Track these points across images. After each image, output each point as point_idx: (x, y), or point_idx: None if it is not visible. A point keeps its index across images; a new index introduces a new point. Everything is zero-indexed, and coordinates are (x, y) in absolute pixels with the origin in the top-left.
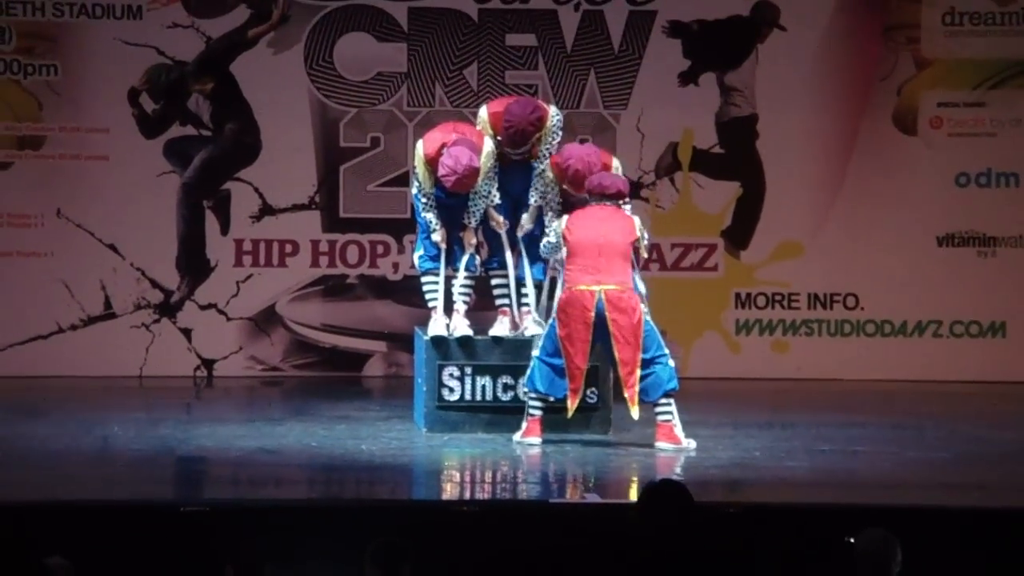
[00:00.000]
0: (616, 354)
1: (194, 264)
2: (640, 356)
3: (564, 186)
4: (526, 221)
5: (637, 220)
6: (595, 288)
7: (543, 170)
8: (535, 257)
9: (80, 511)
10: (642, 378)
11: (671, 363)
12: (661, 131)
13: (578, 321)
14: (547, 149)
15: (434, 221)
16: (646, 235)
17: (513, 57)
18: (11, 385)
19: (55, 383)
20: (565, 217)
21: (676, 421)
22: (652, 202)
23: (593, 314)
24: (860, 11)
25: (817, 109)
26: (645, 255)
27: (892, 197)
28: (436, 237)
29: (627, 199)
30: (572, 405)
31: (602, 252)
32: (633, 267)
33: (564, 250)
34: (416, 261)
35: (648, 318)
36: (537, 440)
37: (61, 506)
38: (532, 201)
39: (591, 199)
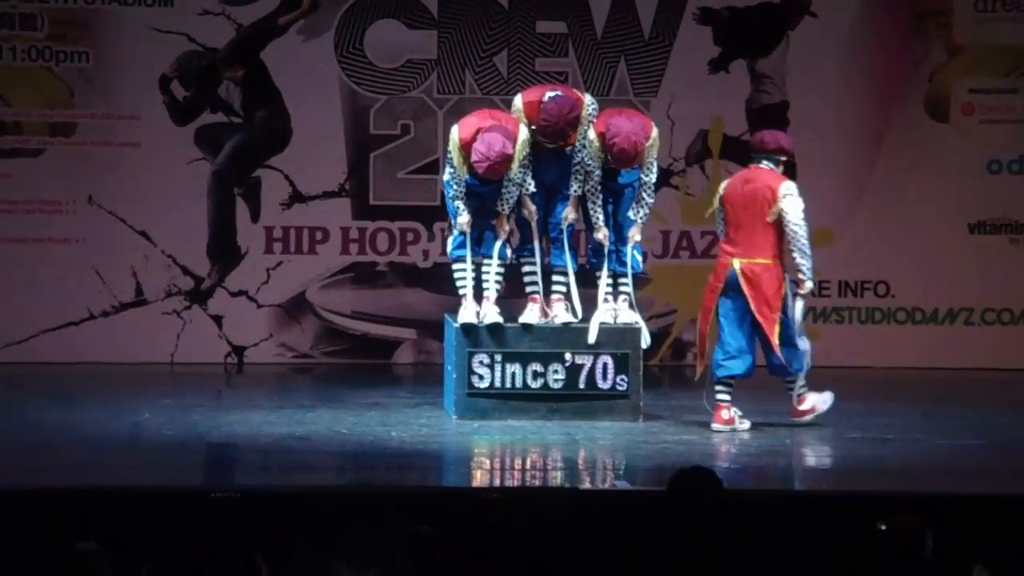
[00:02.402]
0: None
1: (225, 251)
2: (776, 329)
3: (609, 159)
4: (569, 212)
5: (786, 187)
6: (730, 260)
7: (581, 159)
8: (570, 245)
9: (111, 497)
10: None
11: (804, 345)
12: (691, 118)
13: (709, 289)
14: (582, 140)
15: (461, 206)
16: (796, 205)
17: (543, 44)
18: (43, 371)
19: (87, 369)
20: (727, 180)
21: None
22: (682, 189)
23: (722, 285)
24: None
25: (848, 96)
26: (795, 228)
27: (923, 184)
28: (461, 220)
29: (788, 155)
30: (699, 369)
31: (740, 223)
32: (786, 235)
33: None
34: (448, 247)
35: (791, 297)
36: (725, 427)
37: (93, 491)
38: (572, 191)
39: (753, 157)
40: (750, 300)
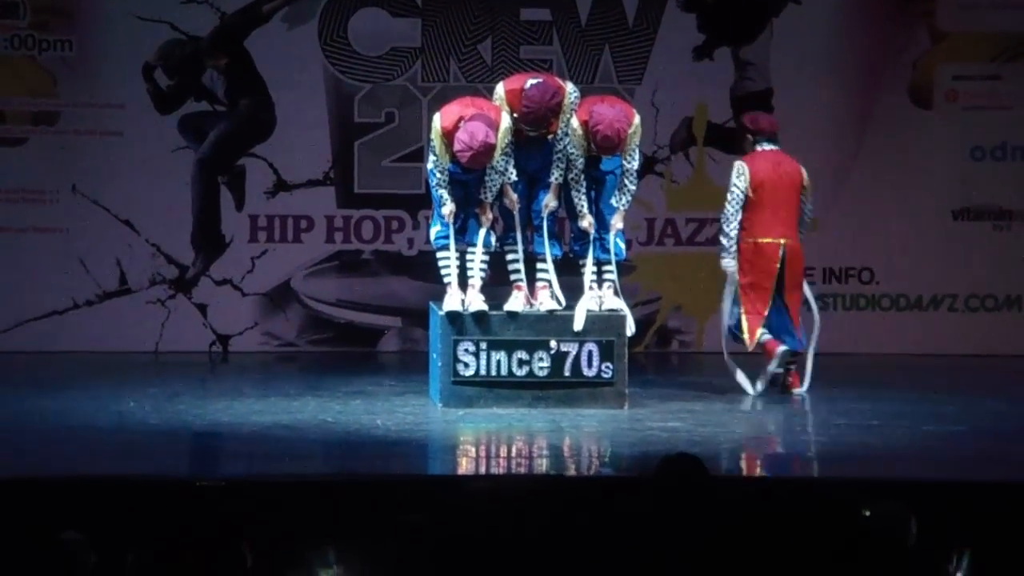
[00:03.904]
0: (785, 301)
1: (209, 240)
2: (800, 302)
3: (592, 146)
4: (550, 200)
5: (804, 170)
6: (781, 241)
7: (563, 146)
8: (552, 233)
9: (95, 486)
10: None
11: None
12: (676, 106)
13: (763, 272)
14: (564, 128)
15: (445, 195)
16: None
17: (528, 32)
18: (28, 360)
19: (71, 358)
20: (743, 164)
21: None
22: (667, 177)
23: (778, 266)
24: None
25: (832, 83)
26: (810, 208)
27: (907, 171)
28: (445, 211)
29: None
30: (752, 340)
31: (782, 203)
32: (800, 213)
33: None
34: (432, 236)
35: None
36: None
37: (76, 480)
38: (553, 179)
39: (760, 142)
40: (788, 278)
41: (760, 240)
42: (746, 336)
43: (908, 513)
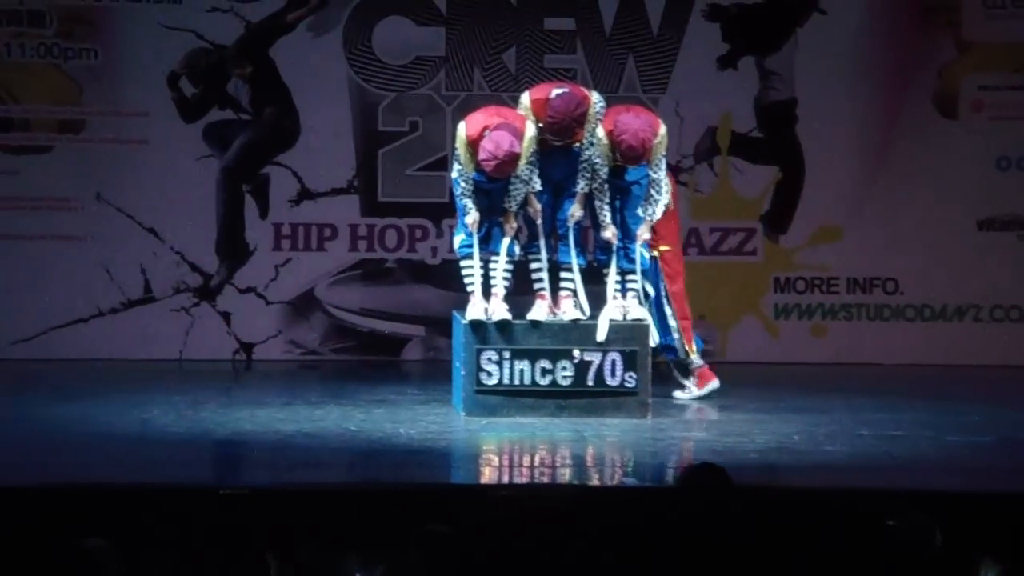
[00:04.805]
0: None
1: (233, 248)
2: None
3: (617, 156)
4: (575, 210)
5: None
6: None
7: (589, 156)
8: (577, 242)
9: (119, 494)
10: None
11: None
12: (700, 115)
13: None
14: (589, 138)
15: (470, 204)
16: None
17: (552, 41)
18: (52, 368)
19: (95, 366)
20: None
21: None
22: (691, 186)
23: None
24: None
25: (857, 93)
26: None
27: (932, 181)
28: (468, 220)
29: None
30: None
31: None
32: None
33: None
34: (456, 245)
35: None
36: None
37: (101, 488)
38: (579, 188)
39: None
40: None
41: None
42: (689, 347)
43: (932, 524)
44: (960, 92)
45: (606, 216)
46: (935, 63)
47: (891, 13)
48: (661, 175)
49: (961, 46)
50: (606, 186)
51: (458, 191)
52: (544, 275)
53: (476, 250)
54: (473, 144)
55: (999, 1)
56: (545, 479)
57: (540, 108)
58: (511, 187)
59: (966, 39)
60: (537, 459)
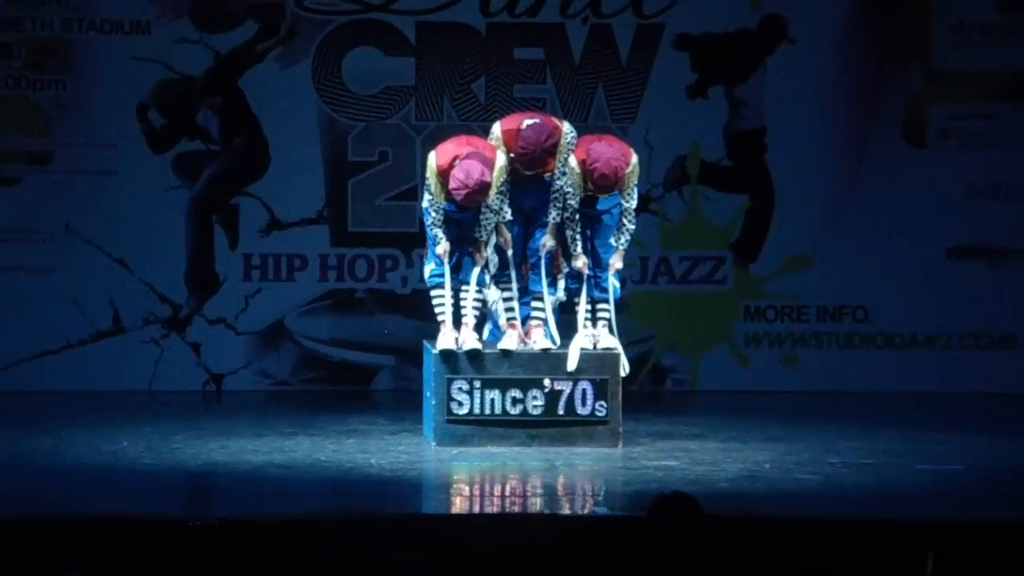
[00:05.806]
0: None
1: (203, 279)
2: None
3: (589, 185)
4: (547, 240)
5: None
6: None
7: (560, 186)
8: (548, 272)
9: (90, 525)
10: None
11: None
12: (669, 144)
13: None
14: (561, 167)
15: (440, 234)
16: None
17: (521, 71)
18: (21, 400)
19: (64, 398)
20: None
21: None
22: (660, 215)
23: None
24: (868, 24)
25: (825, 122)
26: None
27: (901, 209)
28: (439, 249)
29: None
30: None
31: None
32: None
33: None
34: (426, 275)
35: None
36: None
37: (72, 520)
38: (551, 219)
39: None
40: None
41: None
42: None
43: (925, 548)
44: (928, 121)
45: (577, 246)
46: (903, 92)
47: (859, 42)
48: (633, 204)
49: (929, 75)
50: (577, 216)
51: (428, 220)
52: (515, 304)
53: (447, 280)
54: (443, 173)
55: (966, 31)
56: (516, 508)
57: (511, 138)
58: (482, 217)
59: (934, 68)
60: (508, 488)
